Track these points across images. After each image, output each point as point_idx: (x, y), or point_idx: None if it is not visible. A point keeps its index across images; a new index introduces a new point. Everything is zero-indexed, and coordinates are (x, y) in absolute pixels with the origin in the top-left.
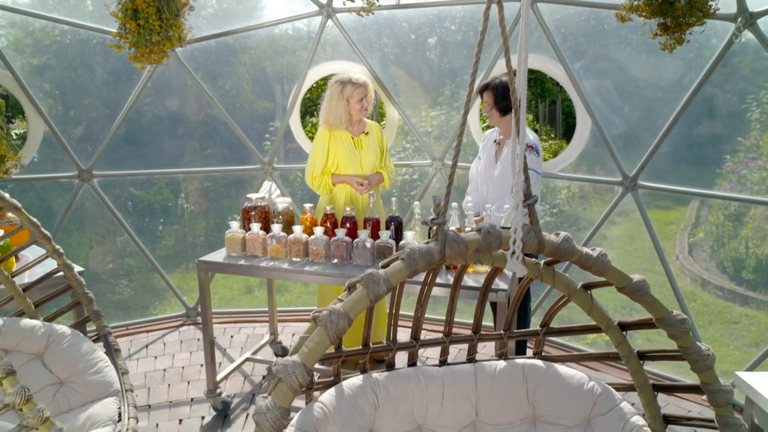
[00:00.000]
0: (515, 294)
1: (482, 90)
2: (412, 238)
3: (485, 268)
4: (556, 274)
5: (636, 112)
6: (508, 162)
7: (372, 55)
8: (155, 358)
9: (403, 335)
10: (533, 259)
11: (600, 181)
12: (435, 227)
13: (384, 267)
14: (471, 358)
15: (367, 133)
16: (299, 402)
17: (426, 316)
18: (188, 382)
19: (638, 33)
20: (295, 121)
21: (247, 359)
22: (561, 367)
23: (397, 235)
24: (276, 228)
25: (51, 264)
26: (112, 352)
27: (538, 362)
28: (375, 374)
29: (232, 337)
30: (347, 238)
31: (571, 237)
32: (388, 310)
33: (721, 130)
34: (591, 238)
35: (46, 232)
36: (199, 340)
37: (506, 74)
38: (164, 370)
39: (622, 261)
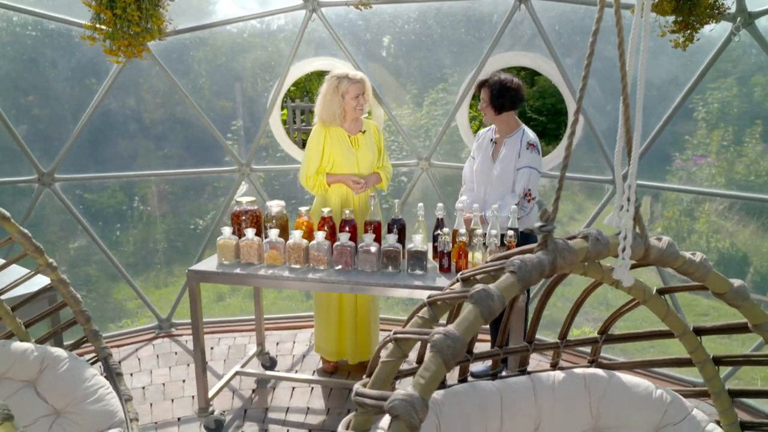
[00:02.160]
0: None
1: (479, 87)
2: (420, 241)
3: None
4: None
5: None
6: (507, 161)
7: (357, 51)
8: (131, 375)
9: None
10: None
11: (591, 180)
12: (542, 236)
13: (464, 279)
14: (523, 370)
15: (364, 132)
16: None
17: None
18: (172, 400)
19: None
20: (275, 120)
21: (236, 373)
22: (624, 376)
23: (401, 238)
24: (273, 233)
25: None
26: (113, 376)
27: (599, 371)
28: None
29: (212, 348)
30: (351, 243)
31: (674, 242)
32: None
33: (669, 128)
34: None
35: (38, 244)
36: (176, 353)
37: (504, 72)
38: (143, 387)
39: None
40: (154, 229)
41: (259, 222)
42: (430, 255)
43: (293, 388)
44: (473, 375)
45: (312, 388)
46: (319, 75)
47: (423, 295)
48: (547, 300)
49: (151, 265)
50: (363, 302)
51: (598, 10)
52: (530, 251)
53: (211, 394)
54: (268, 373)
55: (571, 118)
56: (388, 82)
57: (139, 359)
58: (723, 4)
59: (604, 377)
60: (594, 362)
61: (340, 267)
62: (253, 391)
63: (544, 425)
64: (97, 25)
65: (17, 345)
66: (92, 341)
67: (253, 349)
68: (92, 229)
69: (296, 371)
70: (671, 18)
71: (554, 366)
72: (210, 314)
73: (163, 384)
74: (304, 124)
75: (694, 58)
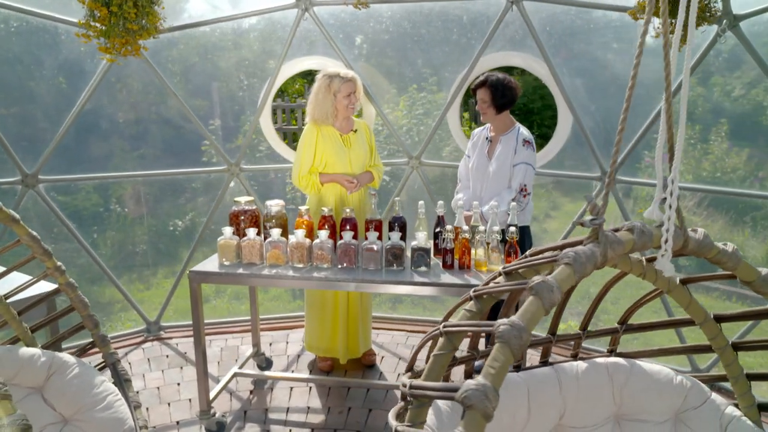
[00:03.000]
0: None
1: (477, 87)
2: (424, 239)
3: (497, 267)
4: (658, 271)
5: (618, 109)
6: (503, 158)
7: (349, 50)
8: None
9: (385, 338)
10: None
11: (579, 177)
12: (593, 228)
13: (507, 273)
14: (545, 361)
15: (355, 131)
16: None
17: (407, 317)
18: (168, 404)
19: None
20: (266, 120)
21: (235, 374)
22: (644, 363)
23: (402, 236)
24: (275, 233)
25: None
26: (121, 382)
27: (620, 360)
28: None
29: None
30: (354, 241)
31: (708, 234)
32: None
33: (638, 127)
34: (570, 233)
35: (47, 247)
36: (168, 356)
37: (499, 71)
38: (137, 392)
39: None
40: (132, 231)
41: (258, 221)
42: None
43: (291, 388)
44: (475, 370)
45: (310, 387)
46: (303, 75)
47: (427, 291)
48: (603, 296)
49: (132, 268)
50: (358, 300)
51: (640, 35)
52: (579, 243)
53: (210, 396)
54: (267, 373)
55: (618, 126)
56: (380, 81)
57: (129, 363)
58: (715, 6)
59: (625, 365)
60: (613, 352)
61: (344, 265)
62: (251, 392)
63: (569, 414)
64: (92, 23)
65: (24, 350)
66: (100, 347)
67: (245, 350)
68: (58, 232)
69: (292, 371)
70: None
71: (574, 357)
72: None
73: (158, 388)
74: (284, 123)
75: (681, 59)
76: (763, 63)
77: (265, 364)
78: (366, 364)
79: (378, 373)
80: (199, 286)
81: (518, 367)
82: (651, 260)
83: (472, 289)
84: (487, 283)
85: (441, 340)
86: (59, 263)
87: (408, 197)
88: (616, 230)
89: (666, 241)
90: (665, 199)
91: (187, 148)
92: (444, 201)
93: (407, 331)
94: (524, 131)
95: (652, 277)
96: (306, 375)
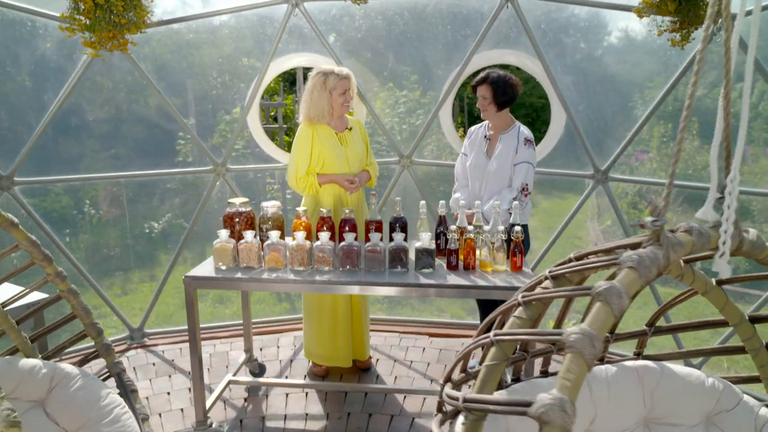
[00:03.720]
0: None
1: (478, 84)
2: (428, 239)
3: (503, 267)
4: (695, 272)
5: (611, 108)
6: (503, 157)
7: (341, 48)
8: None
9: (378, 340)
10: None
11: (572, 175)
12: (654, 230)
13: (554, 277)
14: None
15: (350, 129)
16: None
17: (399, 318)
18: (160, 414)
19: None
20: (253, 119)
21: (230, 382)
22: (675, 366)
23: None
24: (273, 235)
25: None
26: (128, 393)
27: (650, 363)
28: None
29: None
30: (357, 243)
31: (760, 234)
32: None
33: (611, 126)
34: (564, 230)
35: (47, 253)
36: (155, 364)
37: (499, 68)
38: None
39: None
40: (106, 234)
41: (253, 223)
42: None
43: (287, 394)
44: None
45: (306, 393)
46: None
47: (430, 293)
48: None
49: (107, 272)
50: (359, 303)
51: (699, 52)
52: (635, 246)
53: (207, 406)
54: (263, 380)
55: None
56: (371, 78)
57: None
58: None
59: (656, 369)
60: (639, 355)
61: (347, 267)
62: (246, 399)
63: (599, 419)
64: (76, 16)
65: (24, 362)
66: (104, 356)
67: (236, 356)
68: (55, 235)
69: (286, 377)
70: (667, 17)
71: (601, 360)
72: (179, 322)
73: (147, 398)
74: (265, 123)
75: (674, 58)
76: (759, 64)
77: (258, 370)
78: (362, 368)
79: (374, 376)
80: (195, 292)
81: (546, 373)
82: (688, 261)
83: (520, 295)
84: (532, 288)
85: (493, 350)
86: (60, 269)
87: (401, 196)
88: (673, 231)
89: (724, 243)
90: (720, 198)
91: (162, 147)
92: (443, 201)
93: (399, 332)
94: (525, 130)
95: (689, 278)
96: (304, 381)
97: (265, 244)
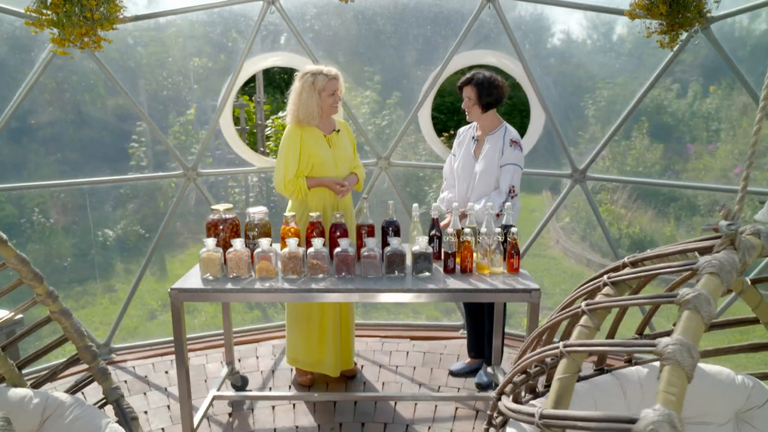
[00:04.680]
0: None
1: (464, 84)
2: (425, 243)
3: (500, 269)
4: None
5: (591, 108)
6: (490, 158)
7: (316, 46)
8: None
9: (360, 345)
10: None
11: (550, 175)
12: (727, 234)
13: (614, 283)
14: (601, 369)
15: (338, 131)
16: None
17: (378, 322)
18: None
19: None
20: (226, 121)
21: (215, 398)
22: (704, 365)
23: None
24: (264, 242)
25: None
26: (128, 421)
27: None
28: (530, 401)
29: (166, 372)
30: (352, 249)
31: None
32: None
33: (564, 125)
34: (542, 229)
35: (37, 271)
36: (126, 382)
37: (486, 69)
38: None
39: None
40: (57, 243)
41: (238, 231)
42: None
43: (273, 406)
44: (452, 373)
45: (294, 404)
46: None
47: (433, 297)
48: None
49: (59, 284)
50: (345, 310)
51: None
52: (707, 250)
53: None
54: (251, 393)
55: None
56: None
57: (83, 393)
58: (705, 6)
59: None
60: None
61: (343, 274)
62: (230, 415)
63: None
64: (44, 11)
65: (13, 392)
66: (100, 381)
67: (213, 369)
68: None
69: (270, 388)
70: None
71: (628, 362)
72: (145, 335)
73: None
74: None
75: (652, 59)
76: (734, 66)
77: (241, 382)
78: (348, 375)
79: (362, 383)
80: (182, 305)
81: (601, 370)
82: None
83: (584, 304)
84: (590, 294)
85: (564, 362)
86: (51, 288)
87: (379, 197)
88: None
89: None
90: None
91: (114, 151)
92: (435, 203)
93: (380, 336)
94: (511, 131)
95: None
96: (291, 392)
97: (255, 252)
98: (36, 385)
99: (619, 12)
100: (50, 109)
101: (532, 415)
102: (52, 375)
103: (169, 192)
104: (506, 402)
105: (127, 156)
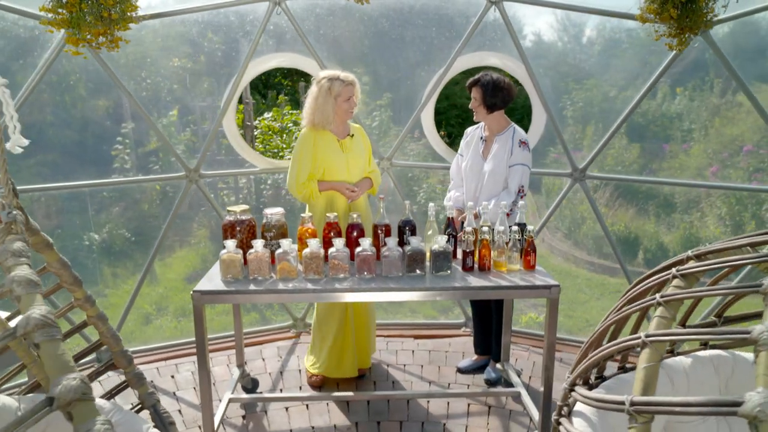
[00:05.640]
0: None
1: (471, 85)
2: (444, 241)
3: (517, 266)
4: None
5: (590, 108)
6: (499, 158)
7: (321, 48)
8: None
9: (380, 344)
10: None
11: (549, 174)
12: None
13: (684, 275)
14: (623, 367)
15: (352, 136)
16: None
17: (381, 322)
18: None
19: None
20: (229, 122)
21: (230, 400)
22: (745, 353)
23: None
24: (285, 243)
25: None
26: (166, 426)
27: (722, 352)
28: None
29: (172, 377)
30: (373, 249)
31: None
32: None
33: (573, 126)
34: (543, 227)
35: (77, 275)
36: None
37: (495, 71)
38: None
39: None
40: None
41: (255, 232)
42: None
43: (286, 408)
44: (460, 370)
45: (307, 405)
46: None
47: (454, 295)
48: None
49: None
50: (365, 311)
51: None
52: (761, 243)
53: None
54: (267, 395)
55: None
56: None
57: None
58: (714, 9)
59: (728, 357)
60: (707, 345)
61: (365, 274)
62: (244, 417)
63: None
64: (59, 10)
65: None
66: (136, 387)
67: (220, 372)
68: None
69: (281, 390)
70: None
71: (671, 353)
72: (144, 339)
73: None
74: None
75: (653, 61)
76: (731, 67)
77: (251, 385)
78: (358, 375)
79: (372, 382)
80: (203, 307)
81: (624, 369)
82: None
83: (659, 295)
84: (657, 287)
85: (647, 351)
86: (89, 292)
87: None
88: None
89: None
90: None
91: (95, 154)
92: (450, 203)
93: (384, 336)
94: (520, 132)
95: None
96: (307, 393)
97: (277, 253)
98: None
99: (630, 17)
100: (30, 111)
101: (621, 403)
102: (89, 378)
103: (153, 195)
104: (584, 391)
105: (110, 158)
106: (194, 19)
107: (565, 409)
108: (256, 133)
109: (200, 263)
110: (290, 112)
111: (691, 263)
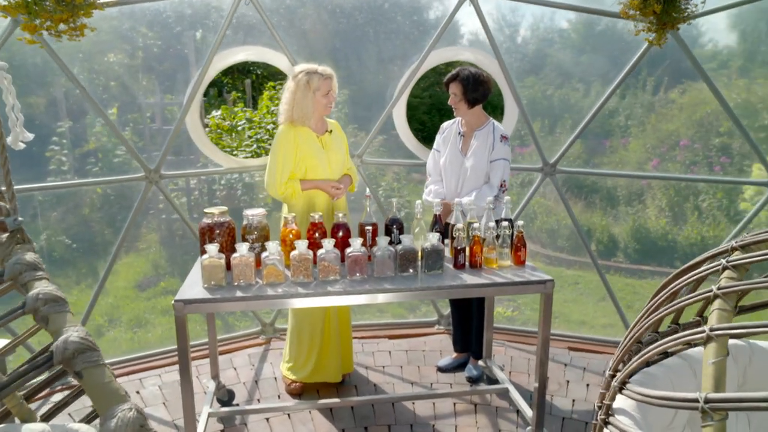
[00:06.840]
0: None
1: (450, 81)
2: (437, 240)
3: (508, 262)
4: None
5: (562, 104)
6: (480, 154)
7: (290, 41)
8: None
9: (356, 347)
10: None
11: (521, 169)
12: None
13: (734, 267)
14: (665, 352)
15: (330, 132)
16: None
17: (356, 323)
18: None
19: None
20: (193, 119)
21: (209, 415)
22: (762, 342)
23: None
24: (272, 246)
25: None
26: None
27: (738, 341)
28: None
29: (138, 392)
30: (364, 249)
31: None
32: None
33: (522, 123)
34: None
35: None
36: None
37: (474, 65)
38: None
39: None
40: None
41: (234, 235)
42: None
43: (267, 418)
44: (440, 369)
45: (288, 414)
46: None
47: (449, 293)
48: None
49: None
50: (345, 314)
51: None
52: None
53: None
54: (249, 407)
55: None
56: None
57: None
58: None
59: (745, 346)
60: None
61: (356, 276)
62: (222, 431)
63: None
64: None
65: (27, 428)
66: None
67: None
68: None
69: (258, 400)
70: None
71: (687, 344)
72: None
73: None
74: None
75: (623, 57)
76: (698, 65)
77: (227, 397)
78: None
79: (352, 386)
80: (185, 317)
81: (666, 354)
82: None
83: (715, 287)
84: (697, 282)
85: (713, 346)
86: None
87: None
88: None
89: None
90: None
91: (28, 156)
92: (438, 200)
93: (357, 338)
94: (499, 127)
95: None
96: (290, 402)
97: (263, 256)
98: (47, 418)
99: (613, 14)
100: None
101: (694, 400)
102: (65, 403)
103: (94, 198)
104: (641, 390)
105: (44, 160)
106: (156, 8)
107: (611, 408)
108: (206, 131)
109: (151, 269)
110: (244, 109)
111: (737, 254)
